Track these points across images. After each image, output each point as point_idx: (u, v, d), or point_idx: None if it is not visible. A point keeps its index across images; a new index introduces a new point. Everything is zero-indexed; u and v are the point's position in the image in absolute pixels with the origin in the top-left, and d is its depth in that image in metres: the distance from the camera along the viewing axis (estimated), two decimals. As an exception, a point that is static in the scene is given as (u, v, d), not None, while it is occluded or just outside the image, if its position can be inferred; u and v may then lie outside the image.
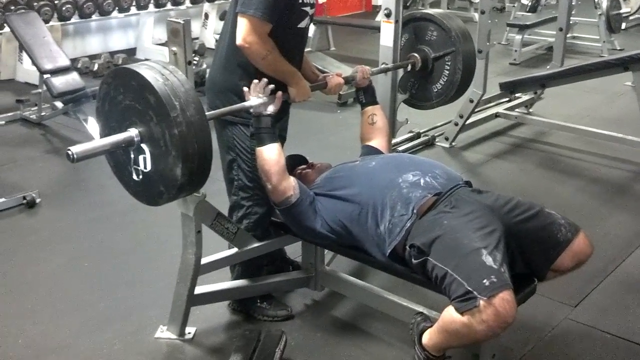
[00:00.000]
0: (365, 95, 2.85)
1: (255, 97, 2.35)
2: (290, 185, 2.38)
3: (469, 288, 1.93)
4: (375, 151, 2.72)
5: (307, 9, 2.54)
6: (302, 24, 2.55)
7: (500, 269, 1.96)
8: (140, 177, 2.08)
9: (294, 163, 2.66)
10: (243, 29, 2.37)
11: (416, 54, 3.11)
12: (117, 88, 2.05)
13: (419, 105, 3.27)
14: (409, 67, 3.12)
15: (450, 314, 1.98)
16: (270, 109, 2.37)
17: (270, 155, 2.37)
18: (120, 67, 2.13)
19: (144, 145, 2.03)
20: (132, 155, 2.08)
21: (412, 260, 2.15)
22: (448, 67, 3.06)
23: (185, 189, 2.07)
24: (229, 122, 2.54)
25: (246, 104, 2.36)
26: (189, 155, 1.96)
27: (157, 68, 2.02)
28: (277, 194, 2.39)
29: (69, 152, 1.92)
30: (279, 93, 2.41)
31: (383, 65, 3.07)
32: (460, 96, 3.26)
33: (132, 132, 2.02)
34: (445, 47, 3.06)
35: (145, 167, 2.04)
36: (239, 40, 2.39)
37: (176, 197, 2.15)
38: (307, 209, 2.40)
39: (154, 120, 1.97)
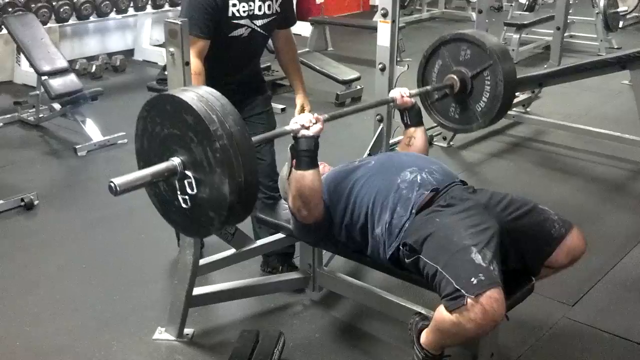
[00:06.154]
0: (409, 115, 2.67)
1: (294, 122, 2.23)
2: (322, 209, 2.30)
3: (457, 286, 1.92)
4: None
5: (243, 21, 2.75)
6: (235, 34, 2.76)
7: (490, 267, 1.95)
8: (189, 203, 1.99)
9: None
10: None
11: (453, 75, 2.92)
12: (154, 119, 2.00)
13: (463, 130, 3.10)
14: (447, 90, 2.93)
15: (440, 313, 1.97)
16: (313, 129, 2.21)
17: (313, 182, 2.22)
18: (152, 97, 2.06)
19: (188, 172, 1.95)
20: (177, 185, 1.99)
21: (405, 259, 2.14)
22: (488, 82, 2.86)
23: (235, 208, 1.93)
24: None
25: (287, 127, 2.24)
26: (234, 170, 1.86)
27: (190, 89, 1.98)
28: (307, 218, 2.30)
29: (112, 185, 1.84)
30: (321, 116, 2.27)
31: (421, 88, 2.92)
32: (508, 110, 3.01)
33: (175, 161, 1.95)
34: (481, 63, 2.86)
35: (191, 190, 1.95)
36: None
37: (227, 221, 2.00)
38: (324, 226, 2.35)
39: (195, 141, 1.90)
